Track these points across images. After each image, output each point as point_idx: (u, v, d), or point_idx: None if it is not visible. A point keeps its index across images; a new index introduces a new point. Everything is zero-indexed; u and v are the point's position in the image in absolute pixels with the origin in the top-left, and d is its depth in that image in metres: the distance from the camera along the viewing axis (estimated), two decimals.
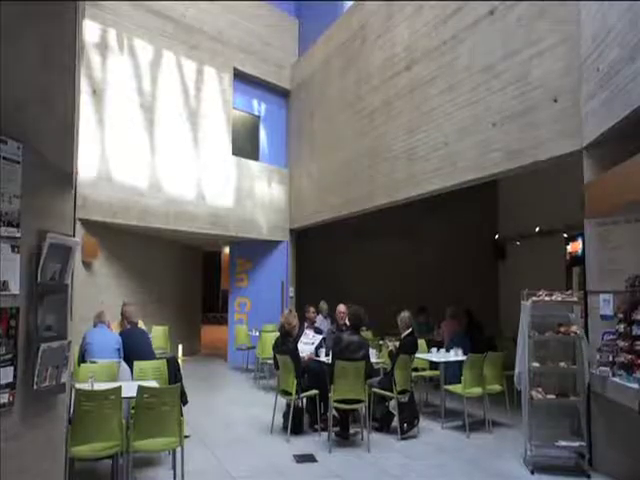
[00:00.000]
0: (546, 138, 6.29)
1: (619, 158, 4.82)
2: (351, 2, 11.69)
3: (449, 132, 7.98)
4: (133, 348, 6.92)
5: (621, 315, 4.95)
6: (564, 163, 6.34)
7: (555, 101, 6.17)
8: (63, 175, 3.46)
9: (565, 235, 10.83)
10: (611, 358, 5.08)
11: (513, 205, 13.64)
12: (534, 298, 5.92)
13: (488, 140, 7.21)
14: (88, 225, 9.72)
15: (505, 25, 7.00)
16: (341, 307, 8.45)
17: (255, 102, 13.69)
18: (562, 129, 6.07)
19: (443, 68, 8.17)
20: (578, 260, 9.85)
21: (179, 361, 8.44)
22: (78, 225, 9.17)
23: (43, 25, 3.08)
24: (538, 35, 6.46)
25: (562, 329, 5.78)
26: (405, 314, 7.58)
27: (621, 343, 4.91)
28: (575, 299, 5.90)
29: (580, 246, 9.70)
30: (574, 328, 5.74)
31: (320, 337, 8.39)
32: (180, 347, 13.50)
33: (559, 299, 5.87)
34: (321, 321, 9.96)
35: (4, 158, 2.64)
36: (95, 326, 7.01)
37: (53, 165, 3.28)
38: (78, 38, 3.53)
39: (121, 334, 7.09)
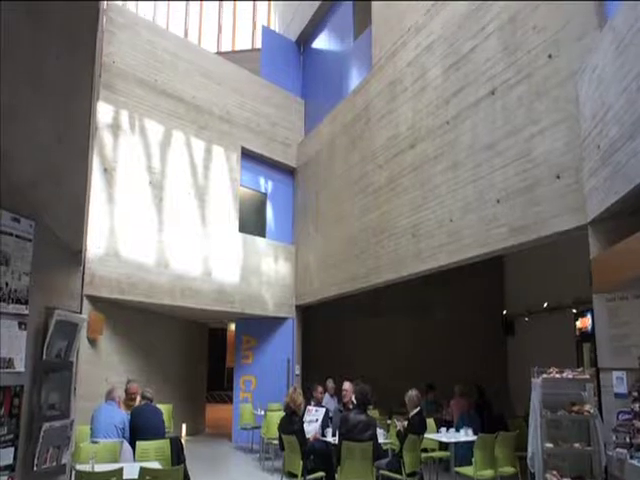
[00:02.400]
0: (551, 214, 6.34)
1: (625, 233, 4.84)
2: (355, 83, 12.08)
3: (454, 208, 8.06)
4: (143, 425, 6.80)
5: (635, 394, 4.83)
6: (570, 238, 6.36)
7: (558, 177, 6.25)
8: (73, 252, 3.49)
9: (574, 311, 10.73)
10: (628, 439, 4.92)
11: (520, 280, 13.60)
12: (544, 375, 5.81)
13: (493, 216, 7.26)
14: (95, 301, 9.73)
15: (506, 105, 7.19)
16: (347, 385, 8.31)
17: (262, 180, 13.94)
18: (566, 205, 6.12)
19: (446, 146, 8.33)
20: (588, 336, 9.73)
21: (182, 441, 8.24)
22: (85, 301, 9.19)
23: (58, 105, 3.18)
24: (538, 114, 6.62)
25: (575, 408, 5.64)
26: (413, 392, 7.44)
27: (638, 423, 4.77)
28: (587, 376, 5.79)
29: (589, 322, 9.60)
30: (587, 407, 5.60)
31: (323, 410, 8.21)
32: (184, 426, 13.19)
33: (570, 376, 5.76)
34: (328, 400, 9.77)
35: (17, 236, 2.68)
36: (105, 402, 6.92)
37: (63, 242, 3.32)
38: (92, 119, 3.63)
39: (133, 411, 7.00)
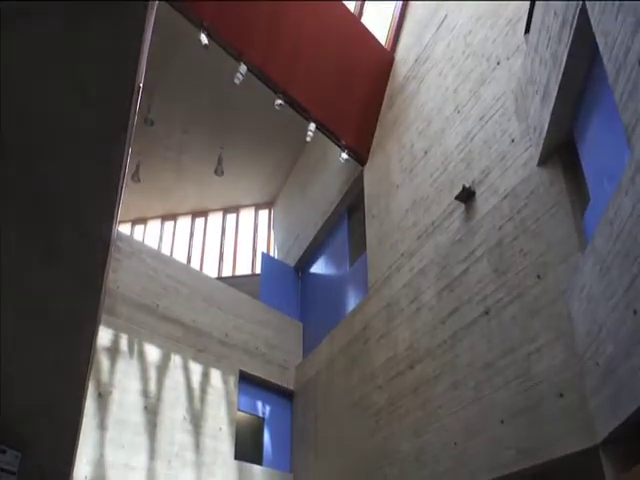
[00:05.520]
0: (558, 434, 6.10)
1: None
2: (352, 305, 12.38)
3: (457, 430, 7.78)
4: None
5: None
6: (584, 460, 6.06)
7: (561, 396, 6.14)
8: None
9: None
10: None
11: None
12: None
13: (498, 438, 6.99)
14: None
15: (501, 324, 7.31)
16: None
17: (260, 404, 13.62)
18: (573, 425, 5.93)
19: (445, 366, 8.30)
20: None
21: None
22: None
23: (62, 337, 3.23)
24: (533, 332, 6.70)
25: None
26: None
27: None
28: None
29: None
30: None
31: None
32: None
33: None
34: None
35: (1, 469, 2.55)
36: None
37: (50, 474, 3.16)
38: (93, 348, 3.67)
39: None
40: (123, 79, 2.83)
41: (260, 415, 13.58)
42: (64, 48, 2.69)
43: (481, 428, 7.33)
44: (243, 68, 10.73)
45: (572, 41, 5.59)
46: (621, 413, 4.86)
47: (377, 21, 13.55)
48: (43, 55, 2.70)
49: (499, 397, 7.09)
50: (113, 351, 10.57)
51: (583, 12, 5.17)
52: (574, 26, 5.45)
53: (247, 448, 12.85)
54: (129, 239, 12.87)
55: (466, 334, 7.98)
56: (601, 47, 4.75)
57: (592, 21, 4.93)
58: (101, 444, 9.77)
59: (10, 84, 2.71)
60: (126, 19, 2.64)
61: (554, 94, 6.28)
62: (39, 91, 2.82)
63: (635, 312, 4.40)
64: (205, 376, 12.12)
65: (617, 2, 4.27)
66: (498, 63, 8.68)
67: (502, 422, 6.96)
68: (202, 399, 11.84)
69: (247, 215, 20.04)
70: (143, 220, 20.19)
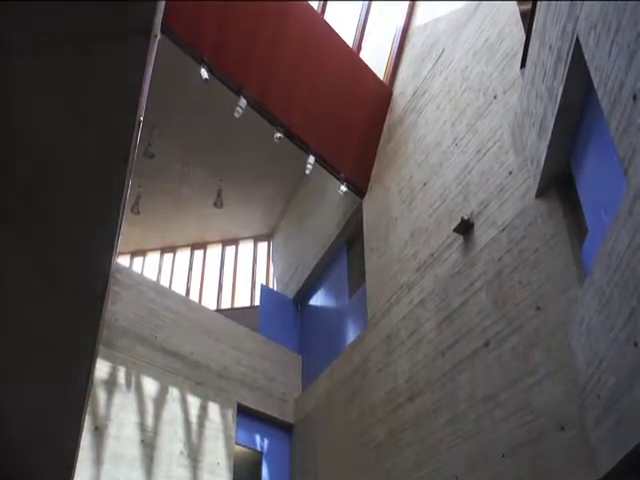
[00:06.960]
0: (560, 469, 6.02)
1: None
2: (352, 338, 12.31)
3: (458, 464, 7.67)
4: None
5: None
6: None
7: (562, 429, 6.07)
8: None
9: None
10: None
11: None
12: None
13: (500, 472, 6.88)
14: None
15: (501, 356, 7.26)
16: None
17: (258, 437, 13.45)
18: (575, 458, 5.85)
19: (445, 399, 8.22)
20: None
21: None
22: None
23: (61, 369, 3.21)
24: (534, 364, 6.66)
25: None
26: None
27: None
28: None
29: None
30: None
31: None
32: None
33: None
34: None
35: None
36: None
37: None
38: (90, 381, 3.65)
39: None
40: (124, 113, 2.86)
41: (258, 449, 13.39)
42: (65, 81, 2.73)
43: (482, 462, 7.23)
44: (243, 102, 10.84)
45: (567, 75, 5.67)
46: (624, 447, 4.80)
47: (375, 54, 13.76)
48: (44, 88, 2.74)
49: (500, 430, 7.01)
50: (110, 384, 10.47)
51: (577, 47, 5.25)
52: (569, 60, 5.54)
53: None
54: (128, 271, 12.88)
55: (466, 366, 7.92)
56: (595, 81, 4.82)
57: (586, 56, 5.01)
58: (97, 478, 9.62)
59: (11, 116, 2.74)
60: (128, 53, 2.68)
61: (551, 127, 6.35)
62: (40, 123, 2.85)
63: (635, 344, 4.38)
64: (203, 409, 11.99)
65: (610, 36, 4.35)
66: (495, 97, 8.80)
67: (503, 456, 6.87)
68: (200, 433, 11.69)
69: (246, 247, 20.05)
70: (142, 252, 20.19)
